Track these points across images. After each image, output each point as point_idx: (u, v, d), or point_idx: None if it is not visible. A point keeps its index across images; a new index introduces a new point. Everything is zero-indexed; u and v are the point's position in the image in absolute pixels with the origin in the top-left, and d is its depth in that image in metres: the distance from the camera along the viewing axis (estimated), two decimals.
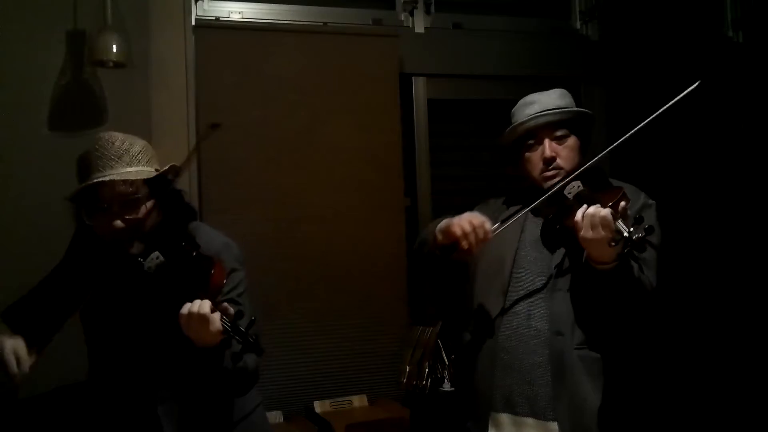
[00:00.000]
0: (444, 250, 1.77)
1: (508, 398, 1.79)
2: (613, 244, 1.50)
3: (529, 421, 1.76)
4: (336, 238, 2.89)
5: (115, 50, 2.50)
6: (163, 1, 2.76)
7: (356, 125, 2.95)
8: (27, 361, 1.46)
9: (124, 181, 1.48)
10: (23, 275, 2.41)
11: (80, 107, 2.59)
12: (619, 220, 1.51)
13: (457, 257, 1.75)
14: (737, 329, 3.36)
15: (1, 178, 2.47)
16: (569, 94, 1.91)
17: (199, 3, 2.90)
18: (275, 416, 2.70)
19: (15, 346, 1.47)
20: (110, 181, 1.46)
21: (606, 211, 1.53)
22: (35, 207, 2.49)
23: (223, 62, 2.80)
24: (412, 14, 3.18)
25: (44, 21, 2.55)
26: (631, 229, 1.48)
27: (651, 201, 1.83)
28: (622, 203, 1.58)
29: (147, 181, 1.52)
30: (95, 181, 1.46)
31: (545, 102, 1.85)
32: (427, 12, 3.20)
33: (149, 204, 1.53)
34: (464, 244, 1.69)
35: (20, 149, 2.50)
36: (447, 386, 2.71)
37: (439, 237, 1.79)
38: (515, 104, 1.94)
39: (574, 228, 1.60)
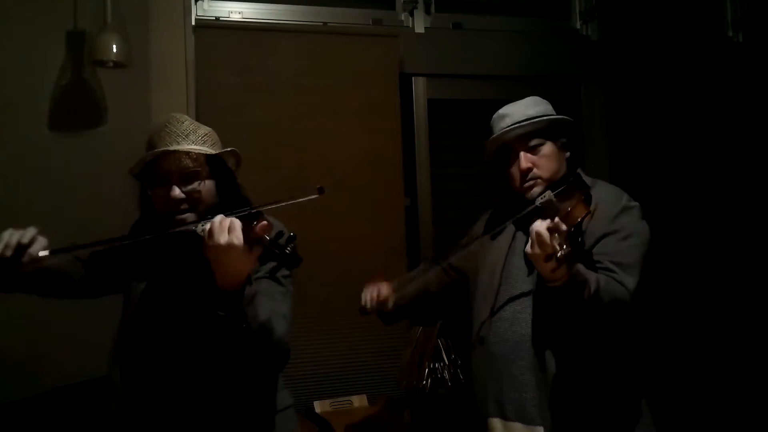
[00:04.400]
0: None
1: (499, 403, 1.81)
2: (546, 260, 1.50)
3: (517, 426, 1.77)
4: (336, 238, 2.89)
5: (115, 50, 2.51)
6: (163, 1, 2.76)
7: (356, 125, 2.95)
8: (41, 245, 1.46)
9: (187, 155, 1.55)
10: None
11: (80, 107, 2.60)
12: (555, 235, 1.49)
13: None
14: (732, 329, 3.37)
15: (1, 178, 2.47)
16: (543, 101, 1.91)
17: (199, 3, 2.90)
18: None
19: (39, 236, 1.48)
20: (174, 152, 1.54)
21: (542, 227, 1.51)
22: (35, 206, 2.49)
23: (223, 62, 2.80)
24: (412, 14, 3.19)
25: (44, 21, 2.55)
26: (560, 247, 1.47)
27: (633, 203, 1.80)
28: (573, 210, 1.58)
29: (208, 161, 1.59)
30: (160, 150, 1.54)
31: (516, 114, 1.84)
32: (427, 12, 3.20)
33: (208, 182, 1.59)
34: (362, 301, 2.01)
35: (20, 149, 2.50)
36: (447, 386, 2.70)
37: None
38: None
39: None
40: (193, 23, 2.84)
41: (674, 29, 3.50)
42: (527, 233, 1.80)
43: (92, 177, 2.53)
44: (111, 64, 2.54)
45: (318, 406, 2.77)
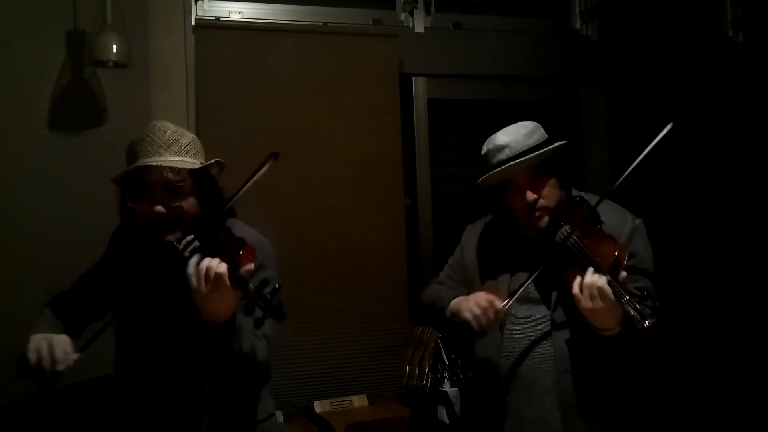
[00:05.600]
0: (457, 329, 1.78)
1: (518, 425, 1.78)
2: (621, 324, 1.50)
3: None
4: (336, 238, 2.89)
5: (115, 50, 2.50)
6: (163, 1, 2.76)
7: (356, 125, 2.95)
8: (71, 355, 1.45)
9: (171, 169, 1.51)
10: (23, 274, 2.43)
11: (80, 107, 2.59)
12: (625, 297, 1.47)
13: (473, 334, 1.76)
14: (739, 339, 3.36)
15: (1, 178, 2.47)
16: (537, 126, 1.81)
17: (199, 3, 2.90)
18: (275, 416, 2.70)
19: (63, 342, 1.46)
20: (157, 166, 1.50)
21: (603, 282, 1.49)
22: (35, 206, 2.49)
23: (223, 62, 2.80)
24: (412, 14, 3.19)
25: (44, 21, 2.55)
26: (630, 302, 1.45)
27: (637, 221, 1.78)
28: (616, 253, 1.56)
29: (192, 173, 1.56)
30: (143, 164, 1.50)
31: (516, 146, 1.74)
32: (427, 12, 3.20)
33: (191, 195, 1.56)
34: (476, 326, 1.68)
35: (20, 149, 2.50)
36: (447, 386, 2.71)
37: (450, 317, 1.82)
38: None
39: (573, 296, 1.57)
40: (193, 23, 2.84)
41: (674, 29, 3.50)
42: (532, 251, 1.77)
43: (92, 177, 2.52)
44: (111, 64, 2.54)
45: (318, 406, 2.77)
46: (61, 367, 1.42)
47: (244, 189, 1.52)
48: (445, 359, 2.74)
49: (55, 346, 1.44)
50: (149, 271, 1.55)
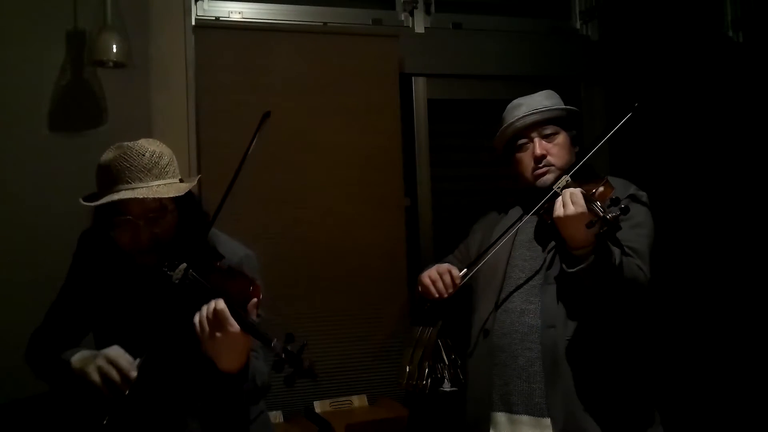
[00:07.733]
0: (422, 300, 1.90)
1: (505, 397, 1.81)
2: (588, 225, 1.52)
3: (524, 418, 1.78)
4: (336, 238, 2.89)
5: (115, 50, 2.50)
6: (163, 1, 2.76)
7: (356, 125, 2.95)
8: (133, 361, 1.43)
9: (155, 198, 1.45)
10: (22, 274, 2.44)
11: (80, 107, 2.60)
12: (596, 203, 1.54)
13: (436, 306, 1.89)
14: (737, 325, 3.37)
15: (1, 178, 2.47)
16: (556, 95, 1.96)
17: (199, 3, 2.90)
18: (275, 416, 2.70)
19: (118, 351, 1.43)
20: (141, 195, 1.43)
21: (578, 190, 1.59)
22: (35, 207, 2.49)
23: (223, 62, 2.80)
24: (412, 14, 3.18)
25: (44, 21, 2.55)
26: (605, 210, 1.51)
27: (641, 192, 1.86)
28: (600, 188, 1.63)
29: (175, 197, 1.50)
30: (126, 196, 1.42)
31: (532, 103, 1.89)
32: (427, 12, 3.20)
33: (173, 216, 1.52)
34: (433, 291, 1.81)
35: (20, 149, 2.50)
36: (447, 386, 2.70)
37: (418, 289, 1.92)
38: None
39: (554, 211, 1.64)
40: (193, 23, 2.83)
41: (674, 29, 3.50)
42: (535, 224, 1.82)
43: (92, 177, 2.52)
44: (111, 64, 2.54)
45: (318, 406, 2.77)
46: (133, 374, 1.40)
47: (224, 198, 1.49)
48: (445, 359, 2.74)
49: (114, 357, 1.41)
50: (135, 292, 1.52)
